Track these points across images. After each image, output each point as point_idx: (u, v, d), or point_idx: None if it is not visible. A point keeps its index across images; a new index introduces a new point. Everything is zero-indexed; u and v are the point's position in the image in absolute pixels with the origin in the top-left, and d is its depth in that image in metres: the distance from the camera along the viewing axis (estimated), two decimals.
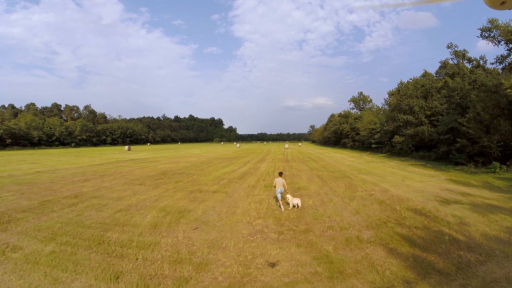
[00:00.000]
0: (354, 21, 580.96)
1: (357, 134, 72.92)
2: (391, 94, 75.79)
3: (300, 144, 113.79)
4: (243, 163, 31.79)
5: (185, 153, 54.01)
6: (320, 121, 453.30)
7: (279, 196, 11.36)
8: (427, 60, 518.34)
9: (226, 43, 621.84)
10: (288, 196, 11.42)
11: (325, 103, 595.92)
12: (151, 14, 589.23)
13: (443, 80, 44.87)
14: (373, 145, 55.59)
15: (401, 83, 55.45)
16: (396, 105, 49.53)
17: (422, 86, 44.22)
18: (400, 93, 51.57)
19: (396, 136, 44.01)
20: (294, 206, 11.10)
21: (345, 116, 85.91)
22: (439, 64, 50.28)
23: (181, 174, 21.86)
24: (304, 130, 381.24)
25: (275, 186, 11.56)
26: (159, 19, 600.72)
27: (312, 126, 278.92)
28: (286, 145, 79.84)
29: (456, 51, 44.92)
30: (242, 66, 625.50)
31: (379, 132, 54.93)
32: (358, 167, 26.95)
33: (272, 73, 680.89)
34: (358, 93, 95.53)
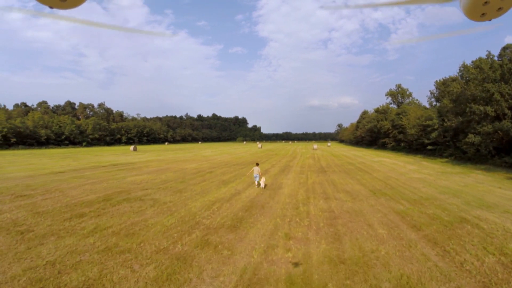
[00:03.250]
0: (379, 18, 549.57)
1: (401, 132, 60.34)
2: (441, 84, 63.22)
3: (329, 144, 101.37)
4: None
5: (192, 156, 44.52)
6: (345, 120, 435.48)
7: (256, 179, 15.19)
8: (453, 58, 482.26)
9: (251, 43, 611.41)
10: (263, 178, 15.21)
11: (350, 102, 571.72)
12: (175, 16, 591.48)
13: None
14: (429, 147, 43.26)
15: (464, 66, 42.77)
16: (460, 94, 37.53)
17: (501, 66, 31.82)
18: (465, 78, 39.40)
19: (471, 135, 31.85)
20: (263, 186, 14.84)
21: (383, 111, 73.03)
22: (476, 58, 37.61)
23: (136, 201, 11.93)
24: (330, 129, 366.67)
25: (252, 172, 15.68)
26: (184, 21, 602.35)
27: (339, 125, 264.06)
28: (315, 145, 68.18)
29: None
30: (267, 65, 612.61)
31: (436, 129, 42.56)
32: (447, 186, 15.88)
33: (297, 72, 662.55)
34: (396, 85, 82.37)
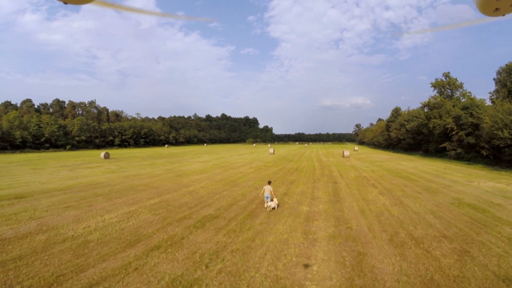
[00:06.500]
0: (391, 18, 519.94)
1: (469, 134, 42.82)
2: None
3: (356, 148, 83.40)
4: None
5: (162, 173, 28.55)
6: (358, 121, 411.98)
7: (267, 200, 13.81)
8: (466, 57, 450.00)
9: (263, 44, 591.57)
10: (274, 199, 14.12)
11: (363, 102, 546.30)
12: None
13: None
14: None
15: None
16: None
17: None
18: None
19: None
20: (273, 208, 13.72)
21: (436, 106, 54.96)
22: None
23: None
24: (343, 129, 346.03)
25: (263, 193, 14.12)
26: (195, 22, 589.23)
27: (357, 126, 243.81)
28: (346, 151, 50.78)
29: None
30: (279, 66, 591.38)
31: None
32: None
33: (309, 72, 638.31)
34: (444, 74, 64.21)
